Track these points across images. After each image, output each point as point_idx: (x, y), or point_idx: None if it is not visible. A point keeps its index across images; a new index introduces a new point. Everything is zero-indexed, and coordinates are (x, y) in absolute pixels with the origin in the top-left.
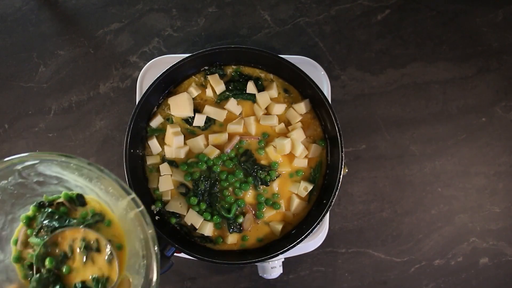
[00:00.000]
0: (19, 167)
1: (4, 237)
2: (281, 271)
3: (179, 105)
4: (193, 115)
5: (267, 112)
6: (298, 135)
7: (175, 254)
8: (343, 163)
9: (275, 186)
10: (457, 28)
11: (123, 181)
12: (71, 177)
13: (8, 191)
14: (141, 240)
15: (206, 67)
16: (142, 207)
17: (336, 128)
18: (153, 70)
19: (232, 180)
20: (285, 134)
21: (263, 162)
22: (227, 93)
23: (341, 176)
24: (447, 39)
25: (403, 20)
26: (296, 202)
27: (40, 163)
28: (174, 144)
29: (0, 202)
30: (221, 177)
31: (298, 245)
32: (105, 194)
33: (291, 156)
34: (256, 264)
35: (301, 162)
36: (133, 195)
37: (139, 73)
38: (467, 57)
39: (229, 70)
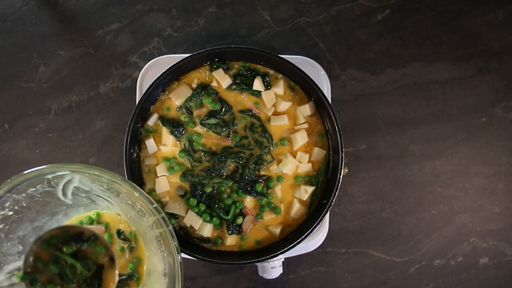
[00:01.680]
0: (49, 176)
1: (30, 244)
2: (281, 271)
3: (180, 93)
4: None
5: (274, 110)
6: (301, 137)
7: None
8: (343, 163)
9: (278, 191)
10: (457, 28)
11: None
12: (98, 190)
13: (35, 198)
14: (165, 258)
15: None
16: (171, 226)
17: (336, 128)
18: (153, 70)
19: (230, 183)
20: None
21: (263, 172)
22: (234, 86)
23: (341, 176)
24: (447, 39)
25: (403, 20)
26: (296, 206)
27: (71, 174)
28: (171, 143)
29: (26, 209)
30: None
31: (298, 245)
32: (131, 209)
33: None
34: (256, 264)
35: (305, 167)
36: (163, 214)
37: (139, 73)
38: (467, 57)
39: (236, 65)
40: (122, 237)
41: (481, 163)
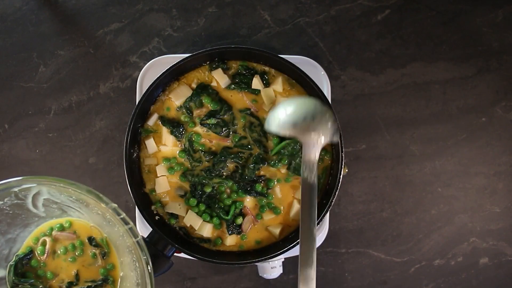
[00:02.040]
0: (16, 189)
1: (4, 257)
2: (281, 271)
3: (180, 93)
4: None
5: (273, 106)
6: None
7: (175, 254)
8: (343, 163)
9: (278, 191)
10: (457, 28)
11: (121, 209)
12: (68, 201)
13: (4, 211)
14: (137, 268)
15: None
16: (139, 237)
17: None
18: (153, 70)
19: (230, 183)
20: None
21: (262, 172)
22: (233, 85)
23: (341, 176)
24: (447, 39)
25: (403, 20)
26: (296, 207)
27: (38, 186)
28: (171, 143)
29: None
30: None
31: (298, 245)
32: (102, 219)
33: None
34: (256, 264)
35: None
36: (131, 224)
37: (139, 73)
38: (467, 57)
39: (234, 65)
40: (93, 243)
41: (481, 163)
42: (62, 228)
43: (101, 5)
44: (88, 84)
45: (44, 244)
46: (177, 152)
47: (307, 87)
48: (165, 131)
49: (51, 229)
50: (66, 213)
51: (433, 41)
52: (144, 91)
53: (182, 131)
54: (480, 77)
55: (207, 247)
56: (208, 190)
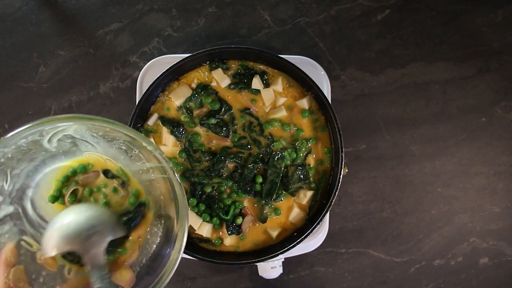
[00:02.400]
0: (47, 127)
1: (8, 193)
2: (281, 271)
3: (180, 93)
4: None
5: (272, 106)
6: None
7: None
8: (343, 163)
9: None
10: (457, 28)
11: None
12: (89, 136)
13: (21, 148)
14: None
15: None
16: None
17: (336, 128)
18: (153, 70)
19: (230, 184)
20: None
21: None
22: (233, 85)
23: (341, 176)
24: (447, 39)
25: (403, 20)
26: (295, 211)
27: (73, 125)
28: (171, 143)
29: (10, 159)
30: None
31: (298, 245)
32: (122, 153)
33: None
34: (256, 264)
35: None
36: (171, 163)
37: (139, 73)
38: (467, 57)
39: (234, 65)
40: (110, 175)
41: (481, 163)
42: (84, 169)
43: (101, 5)
44: (88, 84)
45: (75, 192)
46: (177, 152)
47: (307, 87)
48: (165, 131)
49: (74, 171)
50: (77, 146)
51: (433, 41)
52: (144, 91)
53: (182, 131)
54: (480, 77)
55: (207, 247)
56: (208, 190)
